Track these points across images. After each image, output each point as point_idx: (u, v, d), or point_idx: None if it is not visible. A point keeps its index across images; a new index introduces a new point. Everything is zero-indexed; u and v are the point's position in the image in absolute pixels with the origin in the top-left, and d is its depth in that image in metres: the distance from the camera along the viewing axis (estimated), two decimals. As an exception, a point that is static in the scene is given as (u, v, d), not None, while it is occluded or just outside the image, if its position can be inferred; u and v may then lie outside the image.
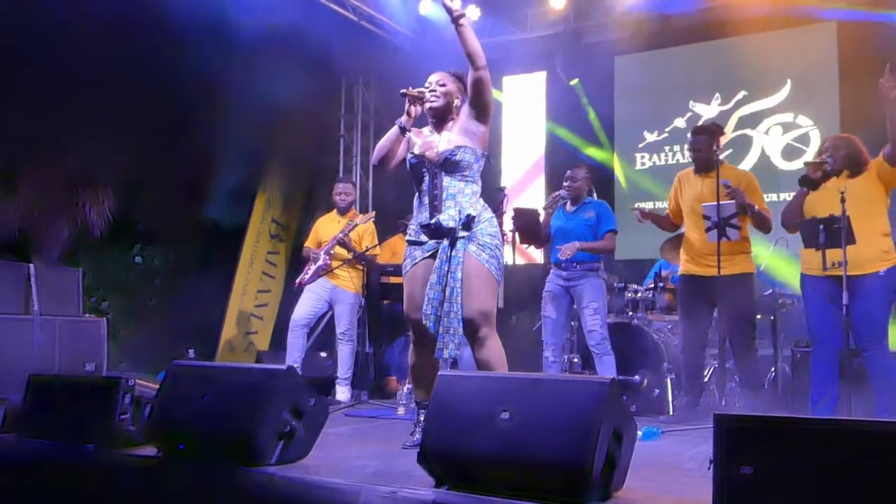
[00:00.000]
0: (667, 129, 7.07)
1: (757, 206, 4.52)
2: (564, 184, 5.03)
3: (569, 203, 5.07)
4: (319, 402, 3.07)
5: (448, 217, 3.35)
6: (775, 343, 5.40)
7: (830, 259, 3.98)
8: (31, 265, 4.90)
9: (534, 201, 7.53)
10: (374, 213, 6.12)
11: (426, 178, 3.46)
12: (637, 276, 6.12)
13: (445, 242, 3.35)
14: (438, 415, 2.53)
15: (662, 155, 7.09)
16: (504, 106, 7.72)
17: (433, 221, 3.38)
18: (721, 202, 4.25)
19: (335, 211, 6.04)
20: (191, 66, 6.06)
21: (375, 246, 5.84)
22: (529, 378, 2.50)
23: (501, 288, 4.71)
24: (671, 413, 4.82)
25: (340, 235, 5.69)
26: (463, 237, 3.34)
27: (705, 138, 4.83)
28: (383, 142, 3.54)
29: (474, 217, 3.36)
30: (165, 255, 8.72)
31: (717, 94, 6.89)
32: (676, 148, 7.03)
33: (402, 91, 3.50)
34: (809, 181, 4.25)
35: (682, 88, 7.03)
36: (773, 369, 5.33)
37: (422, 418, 3.48)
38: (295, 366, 5.57)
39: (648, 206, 7.04)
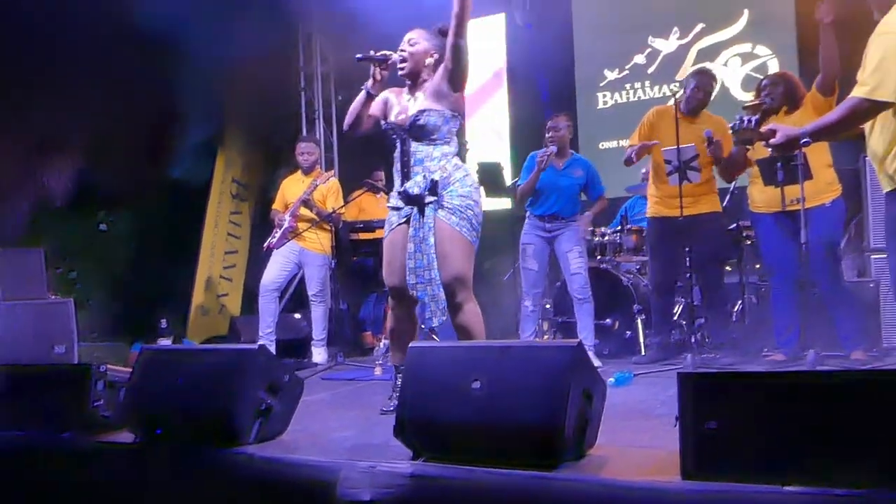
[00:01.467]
0: (627, 67, 7.02)
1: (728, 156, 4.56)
2: (548, 134, 4.98)
3: (555, 156, 5.00)
4: (294, 377, 3.08)
5: (413, 184, 3.33)
6: (741, 275, 5.49)
7: (789, 196, 4.04)
8: (-10, 251, 4.81)
9: (497, 147, 7.51)
10: (332, 172, 6.04)
11: (398, 145, 3.42)
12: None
13: (416, 210, 3.33)
14: (411, 387, 2.55)
15: (624, 93, 7.06)
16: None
17: (402, 189, 3.37)
18: (680, 146, 4.26)
19: (299, 171, 5.98)
20: (140, 21, 5.88)
21: (342, 207, 5.80)
22: (498, 346, 2.52)
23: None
24: (643, 353, 4.92)
25: (303, 197, 5.64)
26: (430, 202, 3.31)
27: (710, 82, 4.84)
28: (353, 106, 3.47)
29: (438, 182, 3.31)
30: (131, 222, 8.59)
31: (676, 28, 6.85)
32: (637, 85, 7.01)
33: (357, 56, 3.40)
34: (745, 138, 4.28)
35: (640, 24, 6.96)
36: (739, 302, 5.43)
37: (399, 382, 3.53)
38: (269, 331, 5.66)
39: (612, 144, 7.09)
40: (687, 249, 4.74)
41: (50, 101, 7.11)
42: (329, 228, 5.77)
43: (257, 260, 7.78)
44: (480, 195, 3.47)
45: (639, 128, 4.94)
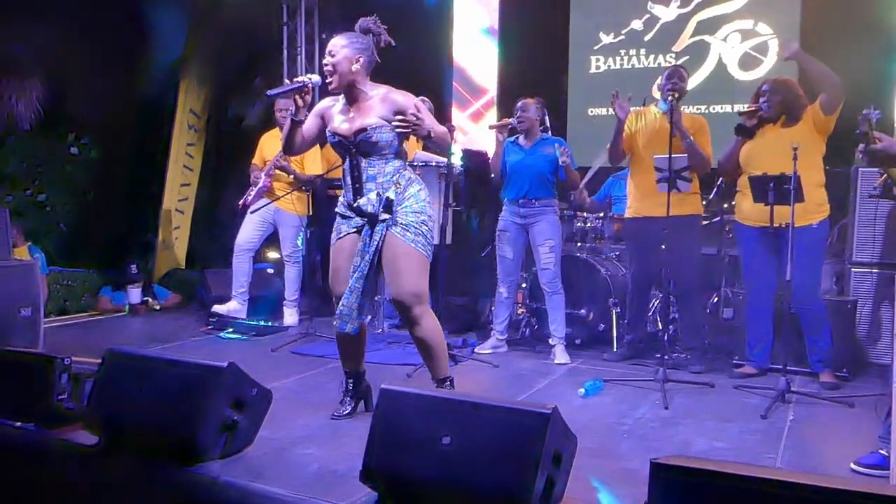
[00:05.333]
0: (623, 32, 6.78)
1: (692, 140, 4.42)
2: (515, 115, 4.85)
3: (522, 137, 4.90)
4: (261, 391, 3.03)
5: (367, 201, 3.26)
6: (721, 268, 5.44)
7: (779, 219, 3.97)
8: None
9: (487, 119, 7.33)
10: None
11: (346, 158, 3.33)
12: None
13: (367, 224, 3.29)
14: (381, 432, 2.51)
15: (618, 58, 6.84)
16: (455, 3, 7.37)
17: (354, 205, 3.31)
18: (673, 155, 4.14)
19: (278, 128, 5.79)
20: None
21: (327, 172, 5.62)
22: (470, 401, 2.47)
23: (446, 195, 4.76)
24: (615, 349, 4.92)
25: (277, 158, 5.50)
26: (384, 220, 3.26)
27: (686, 73, 4.68)
28: (284, 133, 3.42)
29: (393, 200, 3.26)
30: (102, 146, 8.38)
31: (677, -5, 6.61)
32: (633, 52, 6.79)
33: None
34: (744, 130, 4.26)
35: (641, -12, 6.71)
36: (715, 295, 5.42)
37: (350, 387, 3.58)
38: (242, 290, 5.60)
39: (601, 111, 6.92)
40: (664, 248, 4.66)
41: (16, 26, 6.83)
42: (305, 190, 5.61)
43: (205, 194, 7.89)
44: (433, 208, 3.46)
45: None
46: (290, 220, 5.67)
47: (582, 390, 3.97)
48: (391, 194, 3.26)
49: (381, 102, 3.28)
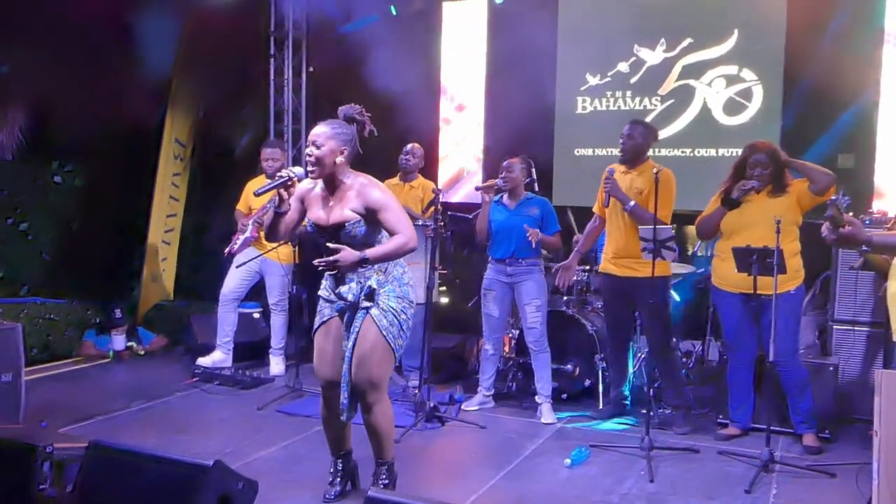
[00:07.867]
0: (610, 73, 6.80)
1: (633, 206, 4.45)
2: (500, 175, 4.86)
3: (506, 196, 4.92)
4: (247, 484, 3.01)
5: (348, 289, 3.28)
6: (710, 321, 5.45)
7: (759, 288, 4.05)
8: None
9: (470, 158, 7.29)
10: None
11: (325, 248, 3.30)
12: (583, 221, 5.95)
13: (349, 311, 3.31)
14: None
15: (604, 100, 6.86)
16: (444, 36, 7.34)
17: (336, 292, 3.32)
18: (658, 226, 4.16)
19: (263, 175, 5.78)
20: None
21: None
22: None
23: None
24: (601, 406, 4.93)
25: (267, 208, 5.45)
26: (366, 307, 3.26)
27: (643, 129, 4.66)
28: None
29: (375, 289, 3.25)
30: (86, 175, 8.34)
31: (663, 40, 6.60)
32: (619, 93, 6.80)
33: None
34: (732, 203, 4.28)
35: (627, 31, 6.69)
36: (699, 344, 5.45)
37: (339, 468, 3.58)
38: (227, 339, 5.60)
39: (588, 152, 6.93)
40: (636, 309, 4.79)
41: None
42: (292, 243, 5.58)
43: (192, 221, 7.94)
44: (415, 292, 3.44)
45: (599, 193, 4.77)
46: (276, 269, 5.65)
47: (568, 461, 3.99)
48: (373, 283, 3.25)
49: (357, 196, 3.22)
